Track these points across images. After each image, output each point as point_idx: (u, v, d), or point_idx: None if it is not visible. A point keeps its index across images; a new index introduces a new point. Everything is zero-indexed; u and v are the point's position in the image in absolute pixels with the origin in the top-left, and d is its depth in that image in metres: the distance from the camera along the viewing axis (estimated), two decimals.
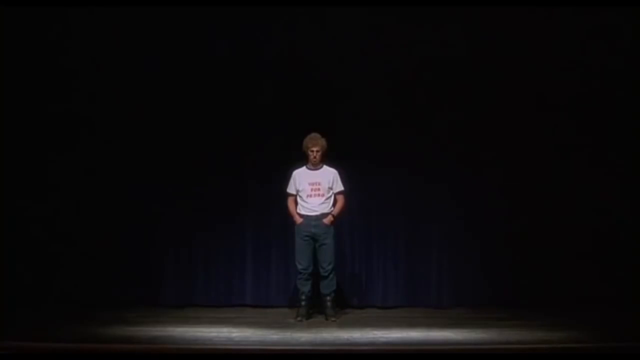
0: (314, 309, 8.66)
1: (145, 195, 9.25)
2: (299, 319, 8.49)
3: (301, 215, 8.55)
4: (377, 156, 9.27)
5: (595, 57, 9.05)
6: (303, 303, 8.56)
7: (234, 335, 7.78)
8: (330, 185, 8.56)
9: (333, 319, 8.49)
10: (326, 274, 8.52)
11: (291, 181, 8.63)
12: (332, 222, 8.53)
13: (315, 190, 8.54)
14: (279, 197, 8.83)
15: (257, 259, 9.40)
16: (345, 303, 9.20)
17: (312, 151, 8.52)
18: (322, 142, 8.54)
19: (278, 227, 9.29)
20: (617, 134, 9.12)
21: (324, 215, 8.52)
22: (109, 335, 7.61)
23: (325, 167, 8.62)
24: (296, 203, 8.62)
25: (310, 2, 8.94)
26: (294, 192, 8.62)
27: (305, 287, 8.55)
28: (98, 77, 9.20)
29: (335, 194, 8.60)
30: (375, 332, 7.94)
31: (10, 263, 8.83)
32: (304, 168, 8.64)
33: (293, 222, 8.59)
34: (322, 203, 8.53)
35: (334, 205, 8.58)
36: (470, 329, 8.03)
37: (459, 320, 8.50)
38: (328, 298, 8.57)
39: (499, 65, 9.20)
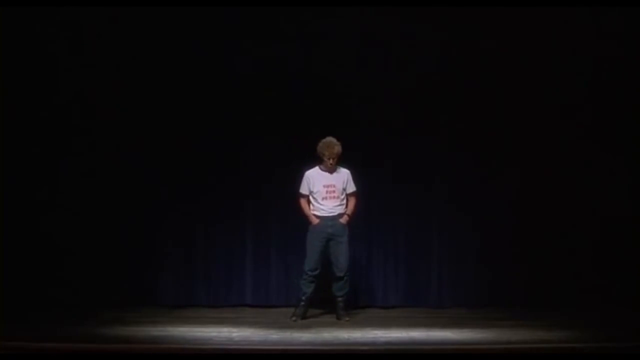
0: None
1: (145, 195, 9.24)
2: (293, 318, 8.47)
3: (317, 217, 8.50)
4: (378, 157, 9.26)
5: (598, 58, 9.05)
6: (302, 304, 8.53)
7: (234, 335, 7.78)
8: (344, 187, 8.51)
9: (347, 318, 8.47)
10: (341, 274, 8.44)
11: (304, 182, 8.54)
12: (348, 222, 8.51)
13: (330, 192, 8.47)
14: (279, 198, 8.81)
15: (257, 259, 9.38)
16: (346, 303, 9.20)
17: (329, 158, 8.39)
18: (339, 148, 8.39)
19: (278, 227, 9.29)
20: (617, 134, 9.12)
21: (340, 215, 8.48)
22: (109, 335, 7.60)
23: (339, 168, 8.54)
24: (309, 203, 8.57)
25: (320, 3, 8.91)
26: (307, 193, 8.54)
27: (309, 289, 8.50)
28: (98, 77, 9.18)
29: (348, 195, 8.56)
30: (375, 332, 7.94)
31: (10, 263, 8.82)
32: (316, 169, 8.55)
33: (308, 223, 8.52)
34: (338, 205, 8.49)
35: (346, 205, 8.55)
36: (470, 329, 8.03)
37: (459, 320, 8.51)
38: (340, 299, 8.53)
39: (501, 69, 9.18)
